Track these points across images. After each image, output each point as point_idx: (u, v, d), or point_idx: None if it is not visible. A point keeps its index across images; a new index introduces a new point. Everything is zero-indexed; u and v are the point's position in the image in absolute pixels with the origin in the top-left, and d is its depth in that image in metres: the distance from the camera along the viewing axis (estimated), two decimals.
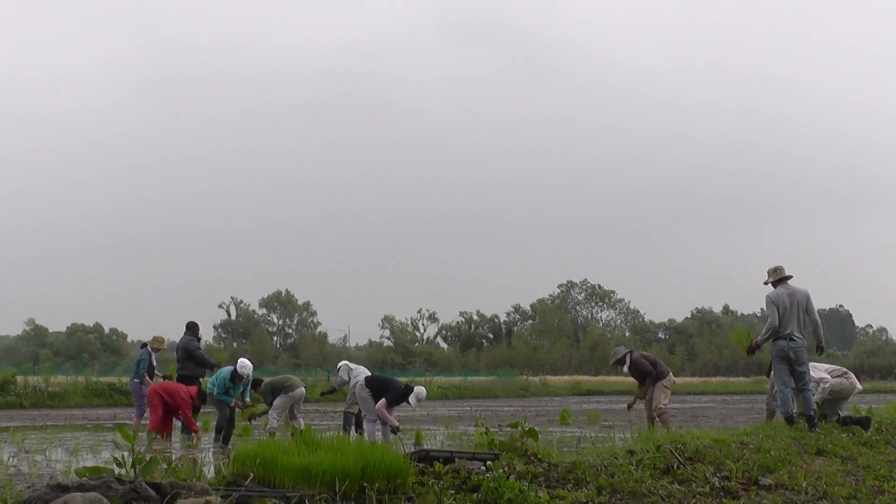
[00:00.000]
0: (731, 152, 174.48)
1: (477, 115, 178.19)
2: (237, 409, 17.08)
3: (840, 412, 14.67)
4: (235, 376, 16.74)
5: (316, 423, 19.69)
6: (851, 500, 7.98)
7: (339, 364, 18.62)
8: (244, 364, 16.89)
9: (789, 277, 13.68)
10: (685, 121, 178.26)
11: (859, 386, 15.02)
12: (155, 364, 19.40)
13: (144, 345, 19.95)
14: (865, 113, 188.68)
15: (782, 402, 13.34)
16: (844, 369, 15.11)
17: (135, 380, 19.19)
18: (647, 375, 15.90)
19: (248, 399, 17.34)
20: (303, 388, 18.42)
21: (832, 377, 14.70)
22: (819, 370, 14.70)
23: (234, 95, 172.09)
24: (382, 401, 15.43)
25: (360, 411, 17.24)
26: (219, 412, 16.73)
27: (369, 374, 17.46)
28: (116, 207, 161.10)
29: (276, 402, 17.79)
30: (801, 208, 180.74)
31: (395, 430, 15.35)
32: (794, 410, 13.38)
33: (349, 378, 17.70)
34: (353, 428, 17.56)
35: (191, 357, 18.69)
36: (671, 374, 16.23)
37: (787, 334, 13.25)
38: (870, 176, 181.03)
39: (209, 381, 17.27)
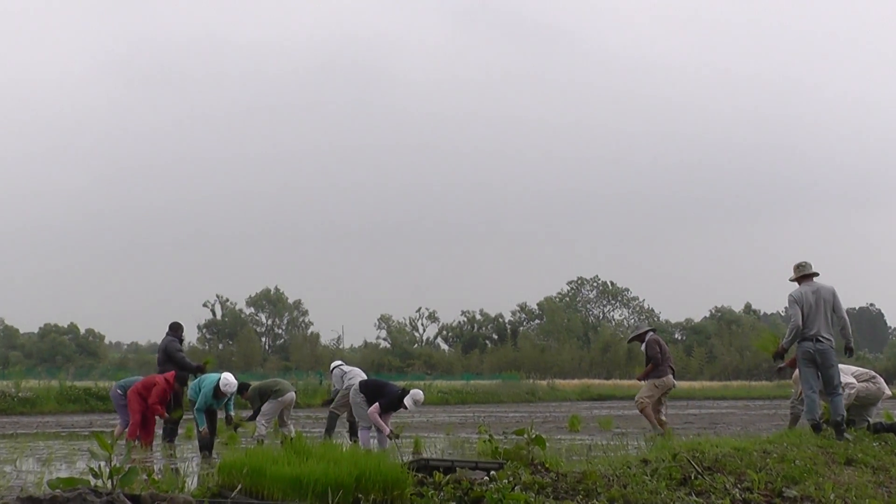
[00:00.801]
0: (754, 144, 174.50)
1: (481, 107, 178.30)
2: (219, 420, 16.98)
3: (868, 419, 14.68)
4: (218, 392, 16.37)
5: (307, 429, 19.69)
6: None
7: (332, 365, 18.54)
8: (228, 382, 16.39)
9: (815, 274, 13.64)
10: (704, 112, 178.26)
11: (888, 391, 15.03)
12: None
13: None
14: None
15: (809, 407, 13.35)
16: (872, 373, 15.10)
17: (118, 390, 19.21)
18: (650, 360, 16.21)
19: (231, 413, 17.10)
20: (293, 393, 18.39)
21: (858, 381, 14.69)
22: (845, 374, 14.68)
23: (221, 90, 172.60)
24: (375, 405, 15.42)
25: (352, 417, 17.22)
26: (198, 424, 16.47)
27: (365, 377, 17.45)
28: (95, 203, 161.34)
29: (265, 407, 17.78)
30: (829, 201, 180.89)
31: (394, 436, 15.34)
32: (821, 416, 13.37)
33: (344, 382, 17.68)
34: (347, 435, 17.57)
35: (171, 359, 18.64)
36: (670, 377, 16.27)
37: (812, 335, 13.24)
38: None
39: (190, 388, 17.04)
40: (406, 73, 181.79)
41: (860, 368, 15.27)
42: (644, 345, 16.63)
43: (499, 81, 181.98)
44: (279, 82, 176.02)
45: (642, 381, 16.75)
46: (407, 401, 15.52)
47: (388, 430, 15.47)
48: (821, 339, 13.22)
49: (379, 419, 15.43)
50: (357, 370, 18.12)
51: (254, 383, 18.93)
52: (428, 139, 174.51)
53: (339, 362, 18.59)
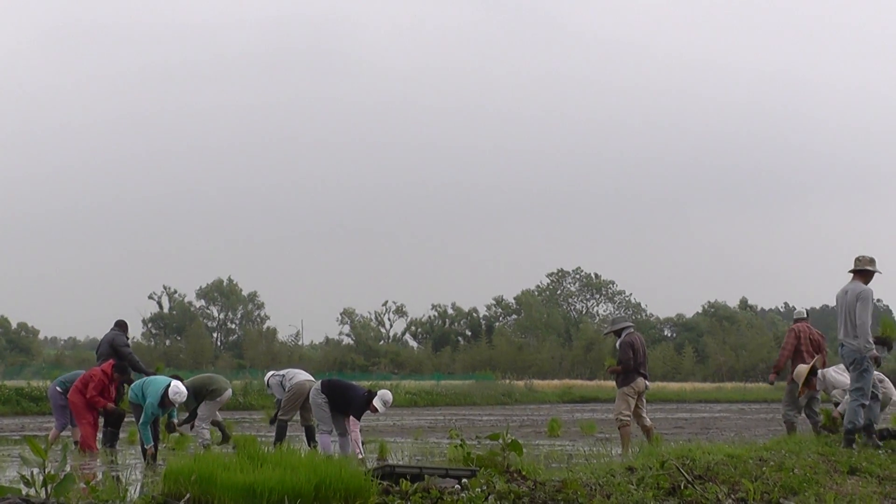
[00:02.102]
0: (751, 120, 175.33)
1: (454, 80, 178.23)
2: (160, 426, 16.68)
3: (875, 424, 14.78)
4: (166, 401, 15.82)
5: (263, 434, 19.67)
6: None
7: (267, 376, 18.05)
8: (179, 391, 15.86)
9: (863, 272, 13.78)
10: (699, 85, 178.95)
11: (895, 396, 15.13)
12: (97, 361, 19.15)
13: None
14: None
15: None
16: (881, 375, 15.18)
17: (57, 388, 19.13)
18: (621, 363, 16.19)
19: (175, 419, 16.88)
20: (230, 391, 18.36)
21: None
22: (846, 375, 14.81)
23: (160, 49, 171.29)
24: (355, 422, 15.44)
25: (307, 421, 17.09)
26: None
27: (307, 375, 17.34)
28: (26, 183, 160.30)
29: (202, 410, 17.63)
30: (833, 187, 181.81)
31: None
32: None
33: (287, 385, 17.16)
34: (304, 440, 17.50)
35: (117, 354, 18.48)
36: (641, 379, 16.24)
37: (840, 340, 13.54)
38: (868, 154, 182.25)
39: (130, 391, 16.43)
40: (371, 57, 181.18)
41: None
42: (618, 342, 16.64)
43: (473, 67, 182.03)
44: (232, 64, 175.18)
45: (611, 375, 16.81)
46: (377, 403, 15.51)
47: (362, 454, 15.42)
48: (844, 343, 13.46)
49: (359, 435, 15.46)
50: (295, 370, 17.92)
51: (184, 381, 18.46)
52: (398, 125, 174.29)
53: (271, 372, 18.30)
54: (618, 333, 16.69)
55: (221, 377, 19.29)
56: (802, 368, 15.70)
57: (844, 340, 13.42)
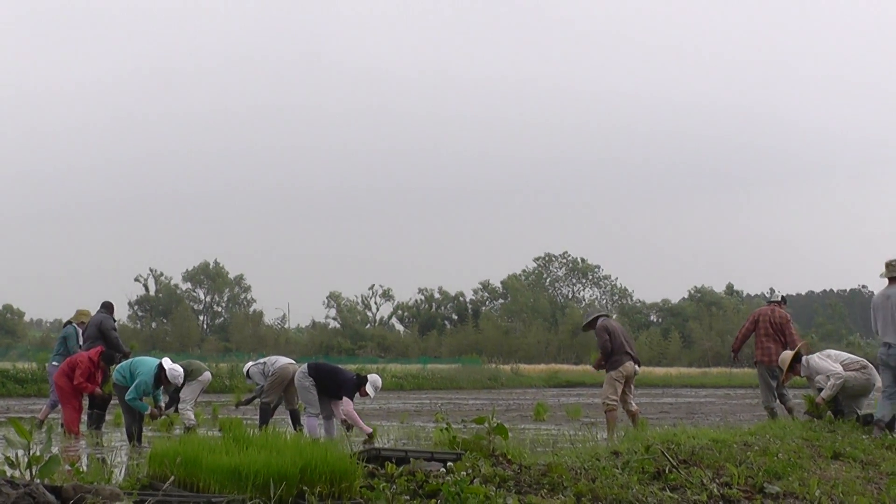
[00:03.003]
0: (734, 109, 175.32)
1: (438, 67, 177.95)
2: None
3: (858, 411, 14.83)
4: (162, 380, 15.83)
5: (248, 417, 19.66)
6: None
7: (247, 367, 17.93)
8: (178, 373, 15.89)
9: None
10: (681, 75, 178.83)
11: (880, 382, 15.15)
12: (82, 343, 19.16)
13: (69, 322, 19.87)
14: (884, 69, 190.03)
15: (881, 409, 13.94)
16: (864, 362, 15.22)
17: (53, 363, 19.15)
18: (601, 350, 16.19)
19: (162, 403, 16.63)
20: (209, 373, 18.37)
21: (847, 370, 14.82)
22: (834, 362, 14.84)
23: (152, 41, 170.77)
24: (349, 402, 15.42)
25: (291, 406, 17.07)
26: (127, 414, 15.92)
27: (288, 360, 17.34)
28: (13, 165, 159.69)
29: (184, 393, 17.63)
30: (815, 174, 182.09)
31: (346, 427, 15.37)
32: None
33: (270, 369, 17.09)
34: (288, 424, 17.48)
35: (104, 337, 18.53)
36: (629, 363, 16.24)
37: (886, 341, 13.77)
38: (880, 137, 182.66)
39: (116, 371, 16.32)
40: (358, 29, 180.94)
41: (852, 356, 15.38)
42: (595, 331, 16.69)
43: (459, 43, 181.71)
44: (214, 38, 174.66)
45: (599, 370, 16.79)
46: (368, 389, 15.56)
47: (369, 429, 15.46)
48: (891, 344, 13.69)
49: (358, 418, 15.45)
50: (275, 356, 17.90)
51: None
52: (384, 104, 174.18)
53: (250, 363, 18.22)
54: (592, 325, 16.70)
55: (200, 361, 19.31)
56: (787, 354, 15.74)
57: (891, 341, 13.68)
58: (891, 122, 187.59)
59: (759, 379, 17.54)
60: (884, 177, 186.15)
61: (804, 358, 15.25)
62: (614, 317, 17.29)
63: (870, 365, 15.16)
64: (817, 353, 15.28)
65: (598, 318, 16.63)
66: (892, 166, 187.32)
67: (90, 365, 16.77)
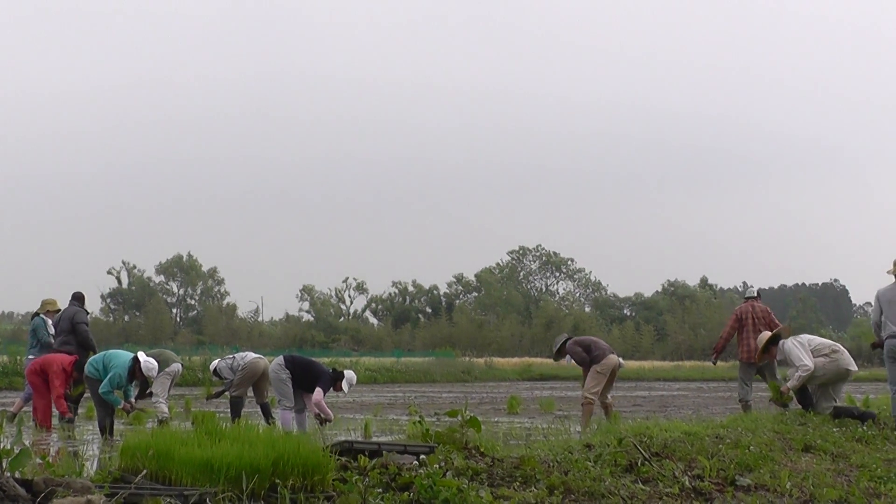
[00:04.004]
0: (708, 103, 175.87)
1: (412, 53, 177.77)
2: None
3: (836, 399, 14.75)
4: (137, 374, 15.71)
5: (222, 410, 19.63)
6: (842, 503, 8.12)
7: (214, 365, 17.79)
8: (153, 365, 15.82)
9: None
10: (655, 67, 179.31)
11: (853, 367, 15.01)
12: (52, 333, 18.99)
13: (36, 314, 19.70)
14: (865, 60, 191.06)
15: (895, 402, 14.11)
16: (837, 346, 15.03)
17: (30, 356, 19.02)
18: (582, 364, 16.35)
19: (133, 398, 16.36)
20: (180, 365, 18.28)
21: (817, 356, 14.66)
22: (804, 349, 14.67)
23: (124, 18, 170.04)
24: (320, 392, 15.37)
25: (262, 400, 17.00)
26: (99, 407, 15.78)
27: (258, 355, 17.28)
28: None
29: (155, 387, 17.52)
30: (790, 168, 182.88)
31: (327, 420, 15.33)
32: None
33: (240, 363, 16.99)
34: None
35: (74, 332, 18.38)
36: (613, 355, 16.35)
37: (892, 333, 13.98)
38: (872, 128, 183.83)
39: (89, 364, 16.12)
40: (330, 33, 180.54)
41: (825, 341, 15.17)
42: (568, 357, 16.79)
43: (433, 40, 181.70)
44: (186, 29, 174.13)
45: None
46: (344, 385, 15.53)
47: (331, 416, 15.45)
48: None
49: (325, 405, 15.41)
50: (243, 352, 17.81)
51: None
52: (359, 102, 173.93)
53: (217, 360, 18.08)
54: (561, 351, 16.90)
55: (171, 352, 19.19)
56: (765, 335, 15.66)
57: None
58: (854, 124, 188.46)
59: (739, 373, 17.50)
60: (856, 174, 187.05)
61: (781, 341, 15.16)
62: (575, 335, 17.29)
63: (841, 349, 15.03)
64: (791, 338, 15.20)
65: (565, 342, 16.80)
66: (860, 164, 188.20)
67: (65, 377, 16.58)
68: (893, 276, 14.23)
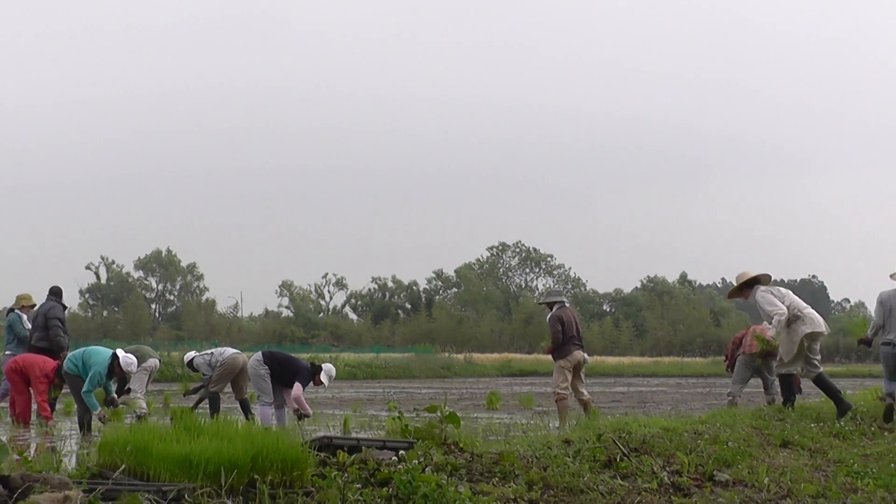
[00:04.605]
0: (693, 102, 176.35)
1: (391, 49, 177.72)
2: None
3: (817, 363, 14.61)
4: (116, 371, 15.59)
5: (201, 406, 19.58)
6: (819, 498, 8.14)
7: (189, 357, 17.65)
8: (132, 361, 15.68)
9: None
10: (632, 63, 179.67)
11: (824, 327, 14.77)
12: (28, 328, 18.83)
13: (11, 309, 19.56)
14: (836, 58, 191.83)
15: (888, 390, 14.58)
16: (801, 304, 14.86)
17: (6, 352, 18.88)
18: (553, 337, 16.24)
19: (113, 394, 16.22)
20: (157, 360, 18.22)
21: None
22: (773, 297, 14.46)
23: (101, 15, 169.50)
24: (299, 387, 15.32)
25: (241, 395, 16.95)
26: (79, 403, 15.68)
27: (237, 350, 17.25)
28: None
29: (132, 383, 17.44)
30: (769, 165, 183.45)
31: (305, 416, 15.28)
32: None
33: (218, 359, 16.91)
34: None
35: (45, 328, 18.22)
36: (577, 352, 16.28)
37: (891, 339, 14.48)
38: (850, 126, 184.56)
39: (68, 360, 16.06)
40: (307, 36, 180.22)
41: (799, 301, 14.82)
42: (548, 317, 16.69)
43: (412, 49, 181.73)
44: (168, 18, 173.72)
45: (550, 356, 16.80)
46: (323, 378, 15.50)
47: (310, 411, 15.42)
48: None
49: (303, 400, 15.37)
50: (221, 347, 17.74)
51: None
52: (336, 87, 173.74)
53: (193, 353, 17.93)
54: (550, 306, 16.75)
55: (147, 347, 19.12)
56: (745, 274, 15.24)
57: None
58: (826, 130, 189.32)
59: (738, 368, 17.41)
60: (835, 170, 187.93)
61: (757, 287, 14.94)
62: (567, 305, 17.09)
63: (808, 309, 14.80)
64: (766, 287, 14.97)
65: (556, 303, 16.66)
66: (835, 166, 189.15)
67: (48, 383, 16.44)
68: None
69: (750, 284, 15.17)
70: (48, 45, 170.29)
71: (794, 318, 14.46)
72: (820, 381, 14.45)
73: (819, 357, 14.85)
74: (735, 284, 15.63)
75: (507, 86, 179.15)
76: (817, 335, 14.60)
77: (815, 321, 14.61)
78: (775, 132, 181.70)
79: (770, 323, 14.37)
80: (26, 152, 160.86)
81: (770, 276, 15.40)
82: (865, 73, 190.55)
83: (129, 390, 17.49)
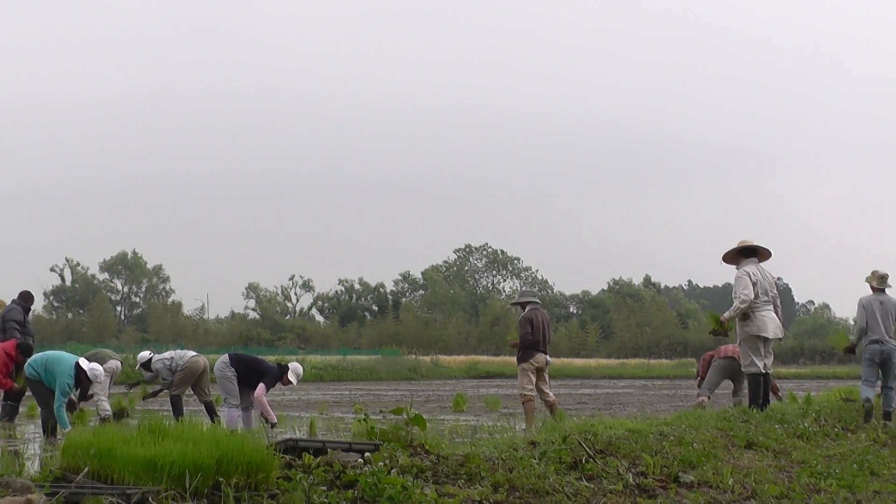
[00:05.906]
0: (651, 105, 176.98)
1: (360, 50, 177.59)
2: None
3: (757, 366, 14.54)
4: (83, 379, 15.33)
5: (165, 408, 19.52)
6: (783, 499, 8.20)
7: (144, 357, 17.48)
8: (99, 370, 15.53)
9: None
10: (598, 66, 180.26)
11: (772, 333, 14.69)
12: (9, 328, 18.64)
13: None
14: (800, 61, 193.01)
15: (865, 393, 15.07)
16: (775, 301, 14.89)
17: None
18: (522, 338, 16.28)
19: (72, 397, 15.75)
20: (118, 362, 18.13)
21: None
22: (748, 282, 14.28)
23: (68, 10, 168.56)
24: (262, 387, 15.26)
25: (206, 398, 16.88)
26: (43, 406, 15.50)
27: (193, 352, 17.17)
28: None
29: (95, 387, 17.34)
30: (734, 167, 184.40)
31: (273, 425, 15.23)
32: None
33: (180, 365, 16.76)
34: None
35: (4, 330, 18.16)
36: (540, 354, 16.32)
37: (877, 339, 15.03)
38: (815, 128, 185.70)
39: (28, 365, 15.72)
40: (275, 34, 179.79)
41: (773, 293, 14.97)
42: (519, 317, 16.71)
43: (377, 48, 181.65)
44: (135, 16, 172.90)
45: (515, 351, 16.82)
46: (291, 377, 15.48)
47: (275, 418, 15.37)
48: (885, 342, 15.00)
49: (267, 405, 15.31)
50: (180, 350, 17.61)
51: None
52: (301, 90, 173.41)
53: (147, 353, 17.74)
54: (522, 306, 16.80)
55: (109, 349, 19.02)
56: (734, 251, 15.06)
57: (885, 339, 14.99)
58: (792, 133, 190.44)
59: (716, 371, 17.43)
60: (800, 173, 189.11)
61: (748, 260, 14.73)
62: (540, 307, 17.08)
63: (763, 312, 14.60)
64: (755, 265, 14.73)
65: (528, 303, 16.69)
66: (798, 169, 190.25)
67: (7, 360, 16.39)
68: (870, 286, 15.20)
69: (746, 254, 15.03)
70: (8, 46, 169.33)
71: (746, 315, 14.47)
72: (753, 380, 14.62)
73: (769, 360, 14.86)
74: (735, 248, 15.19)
75: (474, 89, 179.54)
76: (765, 339, 14.58)
77: (764, 326, 14.55)
78: (740, 134, 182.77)
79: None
80: None
81: (770, 253, 15.30)
82: (830, 76, 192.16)
83: (91, 395, 17.34)
